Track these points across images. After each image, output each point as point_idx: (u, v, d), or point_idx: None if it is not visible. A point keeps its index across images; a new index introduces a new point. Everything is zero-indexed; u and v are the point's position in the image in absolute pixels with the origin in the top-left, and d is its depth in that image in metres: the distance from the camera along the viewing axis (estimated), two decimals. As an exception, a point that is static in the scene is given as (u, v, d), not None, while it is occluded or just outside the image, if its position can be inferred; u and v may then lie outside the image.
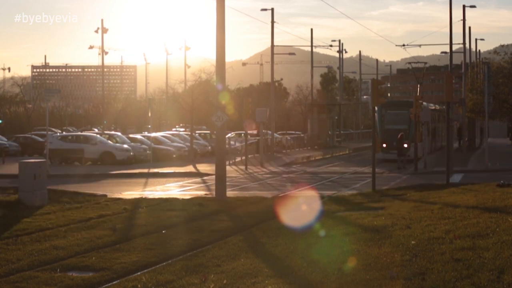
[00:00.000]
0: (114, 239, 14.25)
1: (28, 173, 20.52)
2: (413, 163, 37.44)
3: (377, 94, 25.33)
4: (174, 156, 44.85)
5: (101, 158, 41.51)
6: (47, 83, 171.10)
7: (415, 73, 55.98)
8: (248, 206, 20.04)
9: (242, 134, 48.49)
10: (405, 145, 39.34)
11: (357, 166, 40.11)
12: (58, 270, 11.32)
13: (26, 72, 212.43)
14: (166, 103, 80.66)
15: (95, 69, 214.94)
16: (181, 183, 30.17)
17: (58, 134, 53.60)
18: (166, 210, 18.77)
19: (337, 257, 11.32)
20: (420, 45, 69.30)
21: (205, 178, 32.48)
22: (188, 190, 27.16)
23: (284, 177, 33.44)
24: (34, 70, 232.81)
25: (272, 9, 54.27)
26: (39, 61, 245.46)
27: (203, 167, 37.27)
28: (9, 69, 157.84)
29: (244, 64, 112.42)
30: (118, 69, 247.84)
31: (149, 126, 51.36)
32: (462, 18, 54.25)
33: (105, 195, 23.50)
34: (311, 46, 67.96)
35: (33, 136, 56.37)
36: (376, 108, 33.18)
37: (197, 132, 54.82)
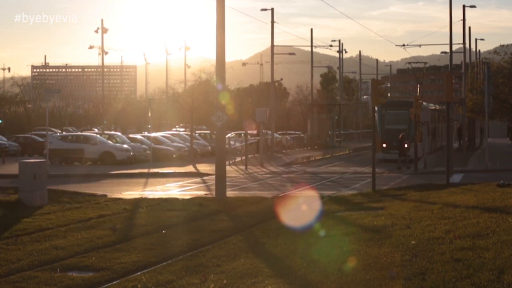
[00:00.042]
0: (114, 239, 14.25)
1: (28, 173, 20.52)
2: (413, 163, 37.43)
3: (377, 94, 25.33)
4: (174, 156, 44.85)
5: (101, 158, 41.51)
6: (47, 83, 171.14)
7: (415, 73, 56.01)
8: (248, 206, 20.04)
9: (242, 134, 48.49)
10: (405, 145, 39.33)
11: (357, 166, 40.11)
12: (58, 270, 11.32)
13: (26, 72, 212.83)
14: (166, 103, 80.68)
15: (95, 69, 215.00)
16: (181, 183, 30.17)
17: (58, 134, 53.59)
18: (166, 210, 18.77)
19: (337, 257, 11.32)
20: (420, 45, 69.41)
21: (205, 178, 32.48)
22: (188, 190, 27.16)
23: (284, 177, 33.44)
24: (34, 70, 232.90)
25: (272, 9, 54.28)
26: (39, 61, 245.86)
27: (203, 167, 37.27)
28: (9, 69, 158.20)
29: (244, 64, 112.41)
30: (118, 69, 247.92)
31: (149, 126, 51.35)
32: (462, 18, 54.27)
33: (105, 195, 23.50)
34: (311, 46, 67.98)
35: (33, 136, 56.37)
36: (376, 108, 33.17)
37: (197, 132, 54.83)
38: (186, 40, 73.55)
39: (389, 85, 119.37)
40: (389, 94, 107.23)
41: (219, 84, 23.17)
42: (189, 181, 31.29)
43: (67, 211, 18.70)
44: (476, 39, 69.00)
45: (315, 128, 62.35)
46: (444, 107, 42.67)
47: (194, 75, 54.14)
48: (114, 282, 10.52)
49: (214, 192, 23.23)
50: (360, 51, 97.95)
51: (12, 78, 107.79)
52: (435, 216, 15.36)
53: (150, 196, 23.65)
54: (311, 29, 68.64)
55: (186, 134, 51.71)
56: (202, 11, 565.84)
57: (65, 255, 12.57)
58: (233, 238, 14.12)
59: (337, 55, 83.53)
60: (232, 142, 47.66)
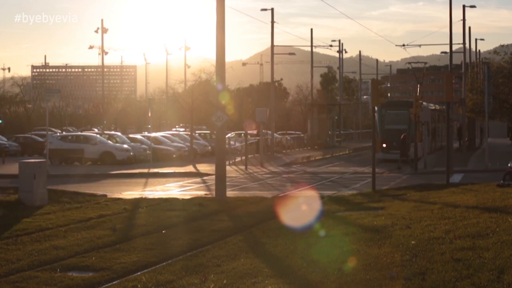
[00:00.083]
0: (114, 239, 14.25)
1: (28, 173, 20.53)
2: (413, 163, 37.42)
3: (377, 94, 25.34)
4: (174, 156, 44.86)
5: (101, 158, 41.51)
6: (47, 83, 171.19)
7: (415, 73, 56.02)
8: (248, 206, 20.04)
9: (242, 134, 48.48)
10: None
11: (357, 166, 40.11)
12: (58, 270, 11.33)
13: (26, 72, 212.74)
14: (166, 103, 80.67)
15: (95, 69, 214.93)
16: (181, 183, 30.17)
17: (58, 134, 53.60)
18: (166, 210, 18.77)
19: (337, 257, 11.32)
20: (420, 45, 69.42)
21: (205, 178, 32.48)
22: (188, 190, 27.16)
23: (284, 177, 33.44)
24: (34, 70, 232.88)
25: (272, 9, 54.28)
26: (39, 61, 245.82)
27: (203, 167, 37.27)
28: (9, 69, 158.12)
29: (244, 64, 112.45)
30: (118, 69, 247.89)
31: (149, 126, 51.36)
32: (462, 18, 54.27)
33: (105, 195, 23.50)
34: (311, 46, 67.98)
35: (33, 136, 56.37)
36: (376, 108, 33.19)
37: (197, 132, 54.83)
38: (186, 40, 73.63)
39: (389, 85, 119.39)
40: (389, 94, 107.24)
41: (219, 84, 23.18)
42: (189, 181, 31.29)
43: (67, 211, 18.70)
44: (476, 39, 69.10)
45: (315, 128, 62.35)
46: (444, 107, 42.67)
47: (194, 75, 54.19)
48: (114, 282, 10.52)
49: (214, 192, 23.23)
50: (360, 51, 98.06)
51: (12, 78, 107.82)
52: (435, 216, 15.36)
53: (150, 196, 23.65)
54: (311, 29, 68.74)
55: (186, 134, 51.71)
56: (202, 11, 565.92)
57: (65, 255, 12.58)
58: (233, 238, 14.12)
59: (337, 55, 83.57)
60: (232, 142, 47.66)
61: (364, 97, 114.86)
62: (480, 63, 60.60)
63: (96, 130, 74.65)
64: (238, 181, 31.34)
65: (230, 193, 23.66)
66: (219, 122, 22.91)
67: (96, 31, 63.60)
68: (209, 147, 49.07)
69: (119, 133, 53.11)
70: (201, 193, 25.23)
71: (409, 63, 56.99)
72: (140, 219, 17.27)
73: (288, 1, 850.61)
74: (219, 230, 15.42)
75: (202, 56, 63.51)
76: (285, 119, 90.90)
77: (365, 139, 79.92)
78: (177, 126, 79.66)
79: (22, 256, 12.45)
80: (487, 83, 35.98)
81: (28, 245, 13.50)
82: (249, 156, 42.26)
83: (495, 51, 53.44)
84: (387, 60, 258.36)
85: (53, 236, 14.56)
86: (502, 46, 61.29)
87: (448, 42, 45.15)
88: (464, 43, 56.73)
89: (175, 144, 47.34)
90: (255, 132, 52.24)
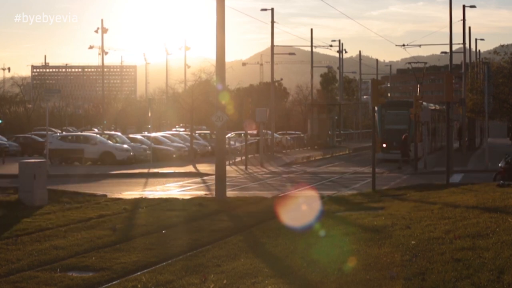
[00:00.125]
0: (114, 239, 14.25)
1: (28, 173, 20.53)
2: (414, 163, 37.42)
3: (377, 94, 25.33)
4: (174, 156, 44.86)
5: (101, 158, 41.52)
6: (47, 83, 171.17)
7: (415, 73, 55.98)
8: (248, 206, 20.04)
9: (242, 134, 48.49)
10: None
11: (357, 166, 40.11)
12: (58, 270, 11.33)
13: (26, 72, 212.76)
14: (166, 103, 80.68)
15: (95, 69, 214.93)
16: (181, 183, 30.18)
17: (58, 134, 53.59)
18: (166, 210, 18.77)
19: (337, 257, 11.32)
20: (420, 45, 69.44)
21: (205, 178, 32.49)
22: (188, 190, 27.17)
23: (284, 177, 33.44)
24: (34, 70, 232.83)
25: (272, 9, 54.29)
26: (39, 61, 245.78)
27: (203, 167, 37.28)
28: (9, 69, 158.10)
29: (244, 64, 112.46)
30: (118, 69, 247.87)
31: (149, 126, 51.37)
32: (462, 18, 54.26)
33: (105, 195, 23.51)
34: (311, 46, 67.98)
35: (33, 136, 56.38)
36: (376, 108, 33.18)
37: (197, 132, 54.83)
38: (186, 40, 73.64)
39: (389, 85, 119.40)
40: (389, 94, 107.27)
41: (219, 84, 23.18)
42: (189, 181, 31.29)
43: (67, 211, 18.70)
44: (476, 39, 69.08)
45: (315, 128, 62.36)
46: (444, 107, 42.67)
47: (194, 75, 54.19)
48: (114, 282, 10.52)
49: (214, 192, 23.23)
50: (360, 51, 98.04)
51: (12, 78, 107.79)
52: (435, 216, 15.36)
53: (150, 196, 23.65)
54: (311, 29, 68.74)
55: (186, 134, 51.71)
56: (202, 11, 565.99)
57: (65, 255, 12.58)
58: (233, 238, 14.12)
59: (337, 55, 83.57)
60: (232, 142, 47.66)
61: (364, 97, 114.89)
62: (480, 63, 60.59)
63: (96, 130, 74.66)
64: (238, 181, 31.34)
65: (230, 193, 23.67)
66: (219, 122, 22.91)
67: (96, 31, 63.64)
68: (209, 147, 49.08)
69: (119, 133, 53.11)
70: (201, 193, 25.24)
71: (409, 63, 56.96)
72: (140, 219, 17.27)
73: (288, 1, 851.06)
74: (219, 230, 15.42)
75: (202, 56, 63.57)
76: (285, 119, 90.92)
77: (365, 139, 79.92)
78: (177, 126, 79.67)
79: (22, 256, 12.45)
80: (487, 83, 35.98)
81: (28, 245, 13.50)
82: (249, 156, 42.26)
83: (495, 51, 53.41)
84: (387, 60, 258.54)
85: (53, 236, 14.56)
86: (502, 46, 61.26)
87: (448, 42, 45.18)
88: (464, 43, 56.74)
89: (175, 144, 47.35)
90: (255, 132, 52.25)
